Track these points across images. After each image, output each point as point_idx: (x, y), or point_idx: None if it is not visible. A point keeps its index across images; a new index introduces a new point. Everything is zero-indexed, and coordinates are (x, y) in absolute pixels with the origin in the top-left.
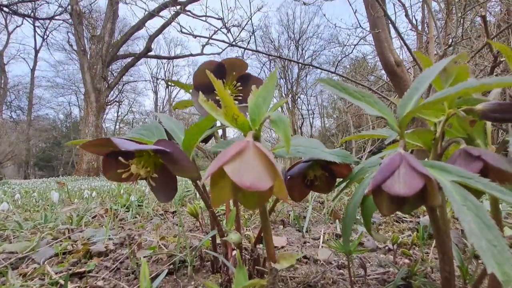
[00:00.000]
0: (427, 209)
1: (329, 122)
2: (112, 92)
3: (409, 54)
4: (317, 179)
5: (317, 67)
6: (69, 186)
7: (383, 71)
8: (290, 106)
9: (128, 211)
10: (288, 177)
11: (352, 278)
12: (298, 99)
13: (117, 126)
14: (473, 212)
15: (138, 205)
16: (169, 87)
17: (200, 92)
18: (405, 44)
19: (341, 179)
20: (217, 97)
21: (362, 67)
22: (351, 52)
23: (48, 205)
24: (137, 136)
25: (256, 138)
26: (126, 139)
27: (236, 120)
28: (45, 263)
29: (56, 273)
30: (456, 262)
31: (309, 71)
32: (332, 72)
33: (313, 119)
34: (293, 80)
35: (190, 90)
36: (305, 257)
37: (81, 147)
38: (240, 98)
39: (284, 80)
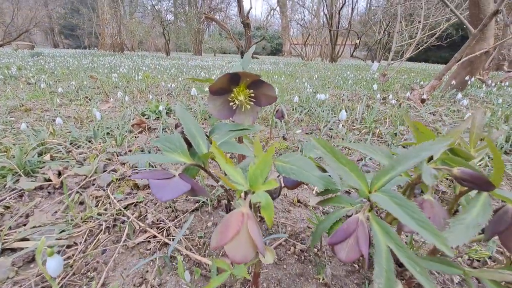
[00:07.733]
0: None
1: (377, 2)
2: None
3: None
4: None
5: None
6: (97, 64)
7: None
8: None
9: (158, 119)
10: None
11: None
12: None
13: None
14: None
15: (167, 113)
16: None
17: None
18: None
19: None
20: (229, 99)
21: None
22: None
23: (87, 98)
24: (163, 147)
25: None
26: (157, 173)
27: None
28: (108, 189)
29: (118, 201)
30: None
31: None
32: None
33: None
34: None
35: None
36: (299, 201)
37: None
38: (254, 101)
39: None
